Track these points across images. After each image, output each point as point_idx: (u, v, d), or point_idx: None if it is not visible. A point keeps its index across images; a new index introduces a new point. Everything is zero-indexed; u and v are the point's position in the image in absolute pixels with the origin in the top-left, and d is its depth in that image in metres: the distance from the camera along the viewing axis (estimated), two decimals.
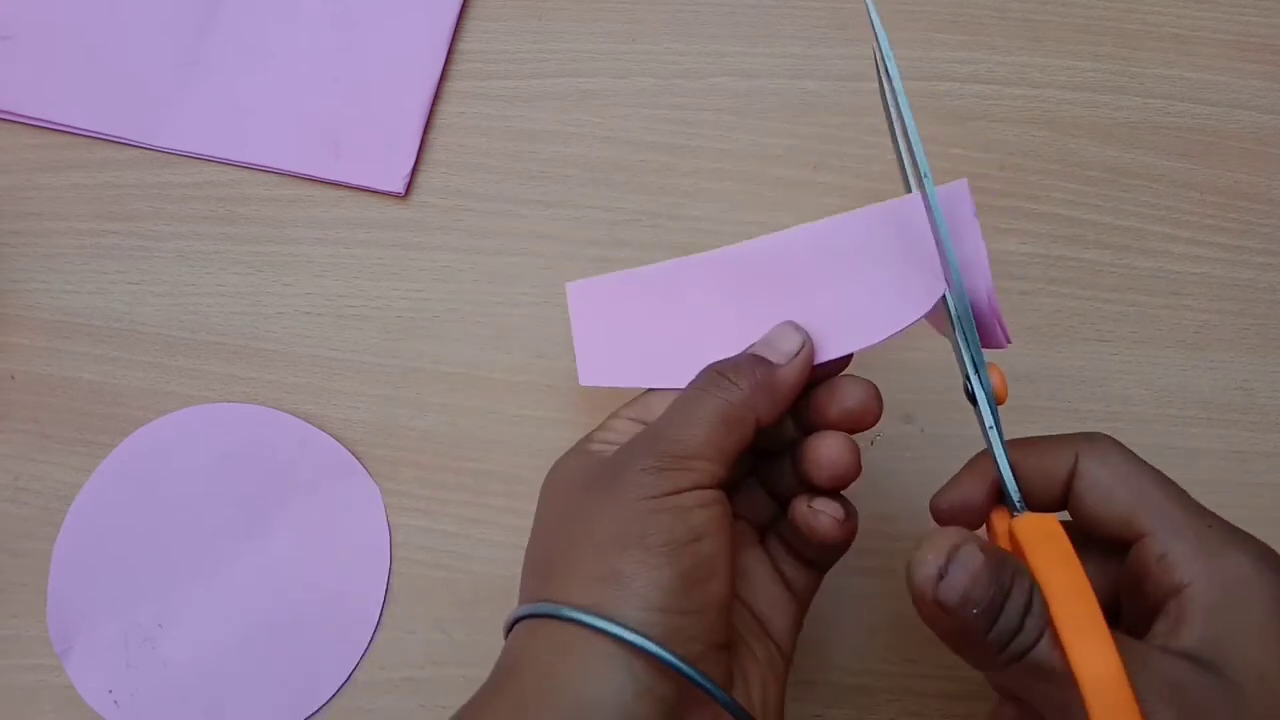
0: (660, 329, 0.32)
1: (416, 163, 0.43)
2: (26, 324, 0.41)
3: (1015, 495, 0.28)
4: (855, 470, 0.30)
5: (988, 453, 0.29)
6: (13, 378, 0.40)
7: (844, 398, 0.30)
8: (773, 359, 0.29)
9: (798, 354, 0.29)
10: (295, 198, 0.43)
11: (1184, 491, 0.27)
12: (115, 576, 0.38)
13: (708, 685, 0.25)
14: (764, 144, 0.44)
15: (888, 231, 0.31)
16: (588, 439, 0.31)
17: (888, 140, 0.44)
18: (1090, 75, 0.45)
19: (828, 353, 0.30)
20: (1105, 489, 0.27)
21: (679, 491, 0.27)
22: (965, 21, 0.46)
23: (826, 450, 0.30)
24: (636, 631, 0.24)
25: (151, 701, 0.36)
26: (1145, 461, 0.28)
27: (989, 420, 0.28)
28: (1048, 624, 0.24)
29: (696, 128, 0.44)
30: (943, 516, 0.30)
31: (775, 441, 0.32)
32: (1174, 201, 0.44)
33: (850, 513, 0.31)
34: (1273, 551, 0.26)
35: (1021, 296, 0.42)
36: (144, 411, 0.40)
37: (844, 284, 0.30)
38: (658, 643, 0.24)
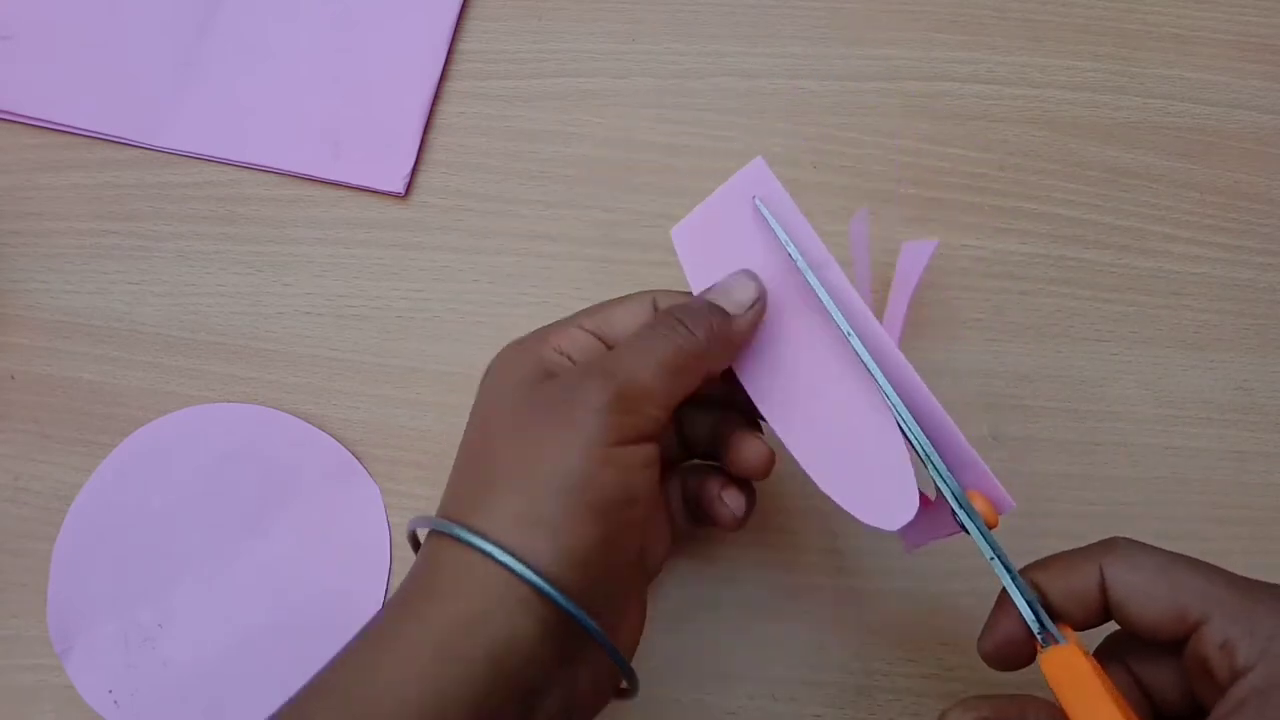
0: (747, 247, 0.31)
1: (416, 163, 0.43)
2: (26, 324, 0.41)
3: (1036, 628, 0.27)
4: (769, 469, 0.30)
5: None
6: (13, 378, 0.40)
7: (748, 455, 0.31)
8: (729, 309, 0.29)
9: (752, 306, 0.29)
10: (295, 198, 0.43)
11: (1220, 569, 0.27)
12: (115, 576, 0.38)
13: (608, 644, 0.26)
14: (763, 143, 0.44)
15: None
16: (543, 340, 0.30)
17: (888, 140, 0.44)
18: (1090, 75, 0.45)
19: (792, 447, 0.30)
20: (1144, 593, 0.27)
21: (625, 443, 0.27)
22: (965, 21, 0.46)
23: (750, 450, 0.30)
24: (555, 585, 0.25)
25: (151, 701, 0.36)
26: (1169, 551, 0.28)
27: (988, 553, 0.28)
28: None
29: (696, 128, 0.44)
30: (994, 661, 0.30)
31: (706, 393, 0.32)
32: (1174, 201, 0.44)
33: (750, 509, 0.32)
34: None
35: (1021, 296, 0.42)
36: (144, 411, 0.40)
37: (850, 444, 0.30)
38: (571, 598, 0.25)
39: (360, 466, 0.39)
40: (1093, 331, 0.42)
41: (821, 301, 0.29)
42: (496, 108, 0.44)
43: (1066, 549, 0.37)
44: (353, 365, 0.41)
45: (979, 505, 0.29)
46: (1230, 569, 0.39)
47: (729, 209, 0.31)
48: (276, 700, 0.37)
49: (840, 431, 0.29)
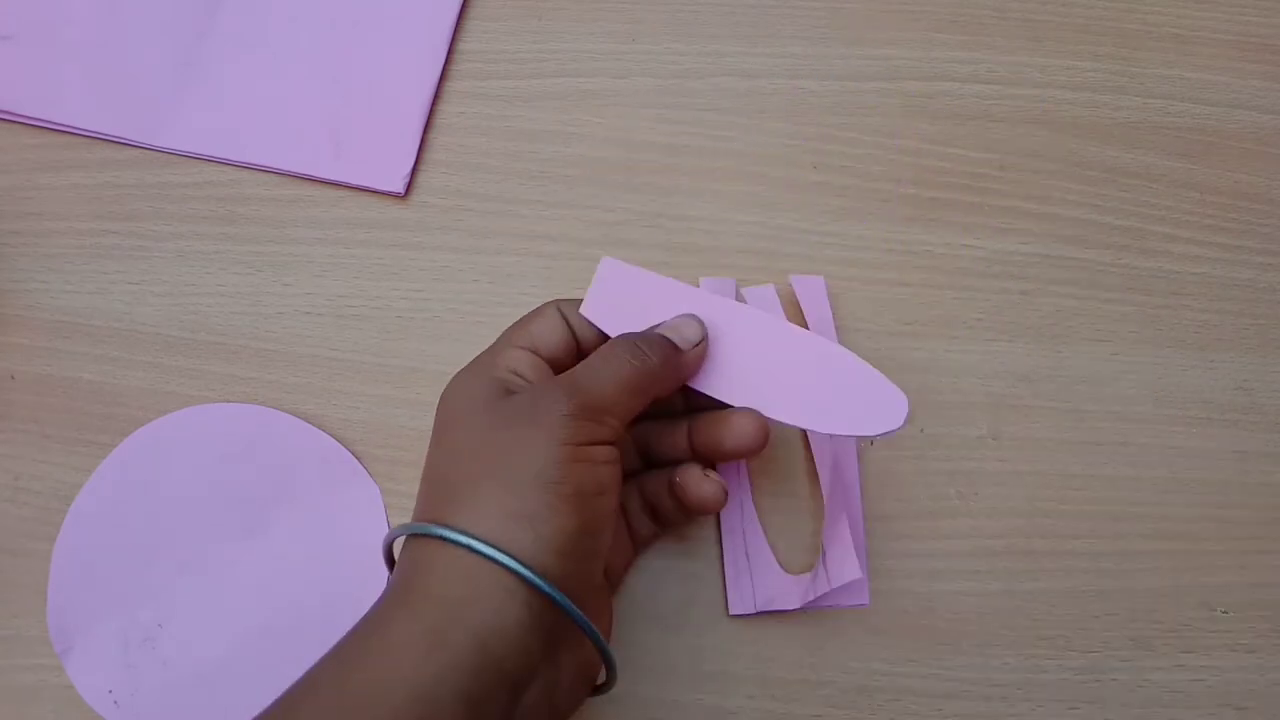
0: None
1: (416, 163, 0.43)
2: (26, 324, 0.41)
3: None
4: (763, 443, 0.33)
5: None
6: (13, 378, 0.40)
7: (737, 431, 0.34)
8: (679, 344, 0.33)
9: (697, 345, 0.33)
10: (295, 198, 0.43)
11: None
12: (115, 576, 0.38)
13: (589, 628, 0.28)
14: (764, 144, 0.44)
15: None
16: (490, 364, 0.32)
17: (888, 140, 0.44)
18: (1090, 75, 0.45)
19: (776, 414, 0.33)
20: None
21: (593, 443, 0.29)
22: (965, 21, 0.46)
23: (742, 423, 0.33)
24: (539, 573, 0.27)
25: (151, 701, 0.36)
26: None
27: None
28: None
29: (696, 128, 0.44)
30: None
31: (663, 409, 0.36)
32: (1174, 201, 0.44)
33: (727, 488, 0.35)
34: None
35: (1021, 296, 0.42)
36: (144, 411, 0.40)
37: (819, 386, 0.33)
38: (553, 584, 0.27)
39: (360, 466, 0.39)
40: (1093, 331, 0.42)
41: (722, 306, 0.34)
42: (496, 108, 0.44)
43: (1064, 550, 0.37)
44: (353, 365, 0.41)
45: None
46: (1229, 569, 0.40)
47: (611, 290, 0.34)
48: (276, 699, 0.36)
49: (803, 379, 0.33)
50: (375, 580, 0.38)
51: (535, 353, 0.33)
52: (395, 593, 0.28)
